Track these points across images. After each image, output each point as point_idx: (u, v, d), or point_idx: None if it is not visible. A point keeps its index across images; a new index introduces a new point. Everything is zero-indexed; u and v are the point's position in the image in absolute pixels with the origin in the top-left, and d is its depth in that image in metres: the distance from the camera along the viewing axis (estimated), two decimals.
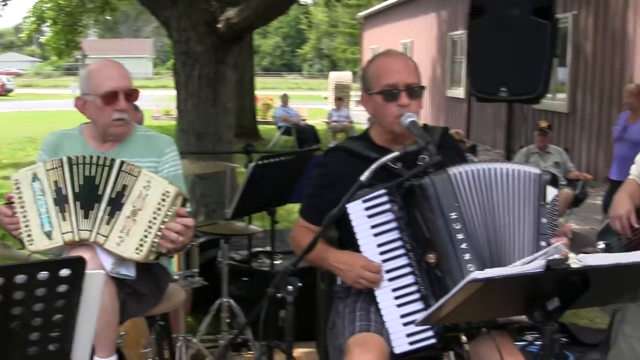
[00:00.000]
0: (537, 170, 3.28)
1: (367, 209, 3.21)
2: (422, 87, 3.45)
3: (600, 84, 14.58)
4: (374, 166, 3.03)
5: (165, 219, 3.42)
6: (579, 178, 10.09)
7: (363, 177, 3.01)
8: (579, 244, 9.32)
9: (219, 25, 8.06)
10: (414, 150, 3.19)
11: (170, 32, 8.35)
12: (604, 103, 14.39)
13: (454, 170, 3.19)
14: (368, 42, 39.40)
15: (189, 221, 3.50)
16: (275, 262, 5.64)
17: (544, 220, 3.20)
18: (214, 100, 8.28)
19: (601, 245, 4.22)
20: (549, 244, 3.14)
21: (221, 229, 5.52)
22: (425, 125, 3.47)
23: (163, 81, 62.63)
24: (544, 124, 10.35)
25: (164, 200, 3.42)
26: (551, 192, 3.26)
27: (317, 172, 3.58)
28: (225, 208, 7.88)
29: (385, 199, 3.21)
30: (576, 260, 2.34)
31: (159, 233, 3.41)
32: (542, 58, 5.98)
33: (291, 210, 10.46)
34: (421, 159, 3.36)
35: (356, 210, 3.21)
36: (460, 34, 22.60)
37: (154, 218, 3.41)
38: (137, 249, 3.41)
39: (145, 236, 3.41)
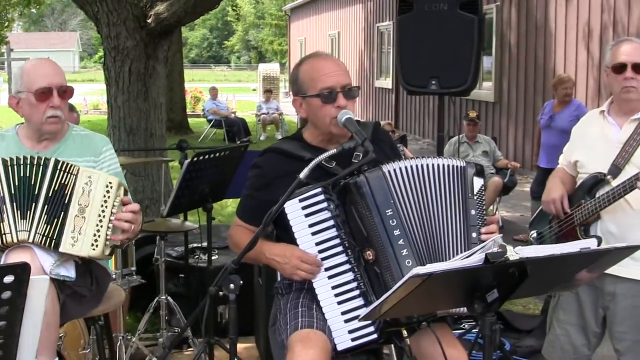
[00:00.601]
0: (462, 163, 3.34)
1: (304, 207, 3.24)
2: (357, 88, 3.50)
3: (524, 74, 14.82)
4: (312, 163, 3.06)
5: (114, 210, 3.45)
6: (507, 166, 10.24)
7: (302, 174, 3.04)
8: (509, 231, 9.51)
9: (149, 20, 8.02)
10: (350, 147, 3.22)
11: (100, 27, 8.26)
12: (529, 92, 14.63)
13: (387, 168, 3.25)
14: (295, 34, 39.40)
15: (135, 206, 3.55)
16: (212, 257, 5.64)
17: (472, 211, 3.28)
18: (145, 95, 8.24)
19: (534, 234, 4.31)
20: (479, 234, 3.24)
21: (157, 226, 5.50)
22: (357, 121, 3.50)
23: (90, 74, 61.77)
24: (473, 114, 10.44)
25: (108, 192, 3.45)
26: (477, 183, 3.33)
27: (252, 174, 3.58)
28: (158, 204, 7.87)
29: (321, 197, 3.24)
30: (514, 253, 2.40)
31: (110, 225, 3.43)
32: (471, 51, 6.06)
33: (225, 204, 10.46)
34: (356, 156, 3.40)
35: (293, 210, 3.24)
36: (387, 24, 22.72)
37: (102, 211, 3.43)
38: (92, 245, 3.42)
39: (98, 231, 3.42)
